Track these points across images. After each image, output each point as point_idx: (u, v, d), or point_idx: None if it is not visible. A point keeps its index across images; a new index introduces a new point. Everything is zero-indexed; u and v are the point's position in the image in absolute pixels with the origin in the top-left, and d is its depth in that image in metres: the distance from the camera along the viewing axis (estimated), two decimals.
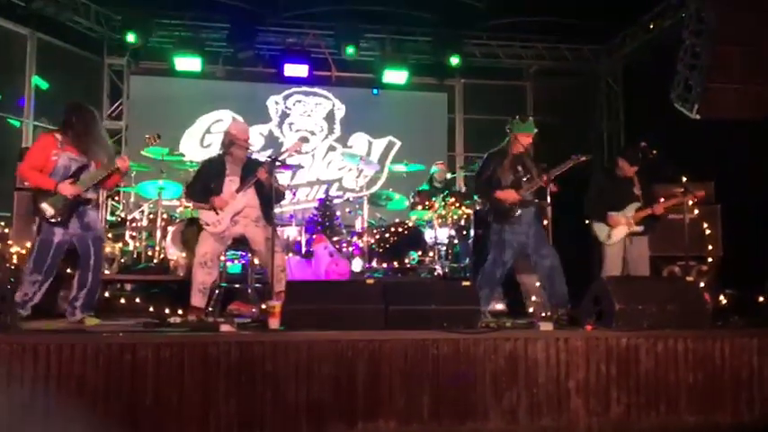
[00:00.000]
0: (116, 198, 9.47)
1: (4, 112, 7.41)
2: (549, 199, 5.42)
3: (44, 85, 8.53)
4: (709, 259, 7.04)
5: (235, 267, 6.98)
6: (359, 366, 4.06)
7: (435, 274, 7.36)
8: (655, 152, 5.85)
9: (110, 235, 7.57)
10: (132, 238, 7.47)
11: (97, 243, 5.07)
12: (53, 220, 4.87)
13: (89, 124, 5.03)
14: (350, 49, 9.93)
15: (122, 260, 7.12)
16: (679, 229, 6.18)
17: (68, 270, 5.46)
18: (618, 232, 5.90)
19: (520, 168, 5.61)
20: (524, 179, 5.58)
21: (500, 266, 5.61)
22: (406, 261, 7.50)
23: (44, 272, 4.88)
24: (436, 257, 7.49)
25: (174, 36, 9.77)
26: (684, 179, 6.11)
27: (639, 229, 5.95)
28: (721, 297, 6.02)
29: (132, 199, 8.24)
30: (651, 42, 9.36)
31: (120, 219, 7.91)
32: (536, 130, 5.67)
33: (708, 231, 7.05)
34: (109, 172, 5.04)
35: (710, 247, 7.06)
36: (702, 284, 5.65)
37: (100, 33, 9.38)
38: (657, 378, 4.35)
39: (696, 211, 6.89)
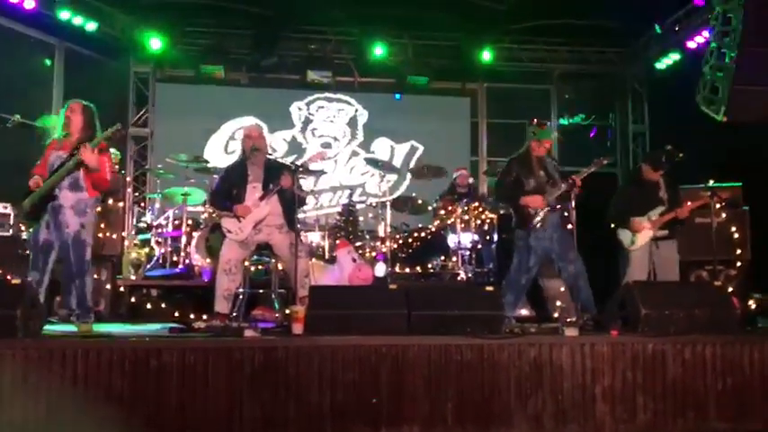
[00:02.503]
0: (142, 204, 9.62)
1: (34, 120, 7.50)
2: (573, 203, 5.38)
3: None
4: (738, 263, 6.92)
5: (258, 273, 7.02)
6: (382, 372, 4.06)
7: (459, 278, 7.33)
8: (681, 155, 5.79)
9: (136, 241, 7.67)
10: (158, 243, 7.56)
11: (73, 245, 4.92)
12: (29, 216, 5.05)
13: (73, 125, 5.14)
14: (378, 50, 9.89)
15: (148, 265, 7.21)
16: (707, 232, 6.09)
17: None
18: (641, 237, 5.85)
19: (542, 173, 5.58)
20: (547, 184, 5.55)
21: (525, 272, 5.56)
22: (430, 266, 7.48)
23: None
24: (459, 262, 7.47)
25: (198, 44, 9.88)
26: (711, 182, 6.03)
27: (664, 232, 5.89)
28: (750, 302, 5.93)
29: (158, 205, 8.34)
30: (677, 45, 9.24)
31: (146, 224, 8.01)
32: (555, 134, 5.65)
33: (736, 235, 6.94)
34: (74, 164, 4.90)
35: (739, 251, 6.95)
36: (731, 289, 5.56)
37: (126, 42, 9.50)
38: (685, 384, 4.29)
39: (724, 215, 6.81)
